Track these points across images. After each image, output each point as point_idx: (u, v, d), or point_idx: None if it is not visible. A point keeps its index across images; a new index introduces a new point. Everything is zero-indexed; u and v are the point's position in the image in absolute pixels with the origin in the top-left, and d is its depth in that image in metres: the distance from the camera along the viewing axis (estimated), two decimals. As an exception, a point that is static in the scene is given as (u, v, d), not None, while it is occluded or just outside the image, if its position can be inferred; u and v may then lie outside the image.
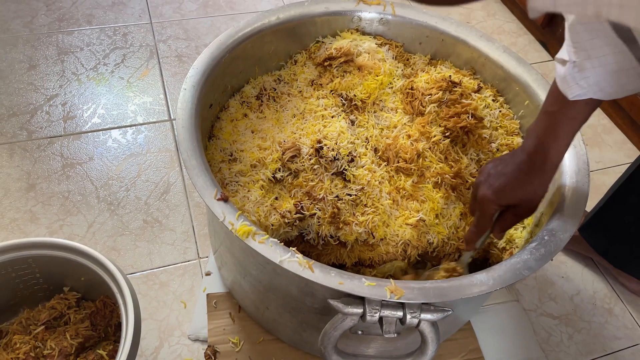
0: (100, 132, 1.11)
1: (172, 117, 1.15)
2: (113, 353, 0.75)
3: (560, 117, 0.62)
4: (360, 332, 0.66)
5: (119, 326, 0.78)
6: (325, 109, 0.86)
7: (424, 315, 0.60)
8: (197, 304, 0.87)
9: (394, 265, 0.84)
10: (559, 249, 0.63)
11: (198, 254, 0.94)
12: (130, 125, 1.13)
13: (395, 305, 0.59)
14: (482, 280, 0.61)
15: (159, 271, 0.91)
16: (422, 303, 0.59)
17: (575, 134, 0.63)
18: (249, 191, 0.76)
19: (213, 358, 0.81)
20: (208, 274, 0.91)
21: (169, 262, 0.93)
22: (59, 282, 0.81)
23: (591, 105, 0.60)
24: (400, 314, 0.60)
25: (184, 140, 0.69)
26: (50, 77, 1.21)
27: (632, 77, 0.54)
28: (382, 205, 0.79)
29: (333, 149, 0.79)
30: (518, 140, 0.86)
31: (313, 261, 0.60)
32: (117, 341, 0.78)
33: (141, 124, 1.13)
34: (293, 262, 0.59)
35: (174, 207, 1.00)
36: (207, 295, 0.87)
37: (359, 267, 0.84)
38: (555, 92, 0.61)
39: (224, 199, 0.64)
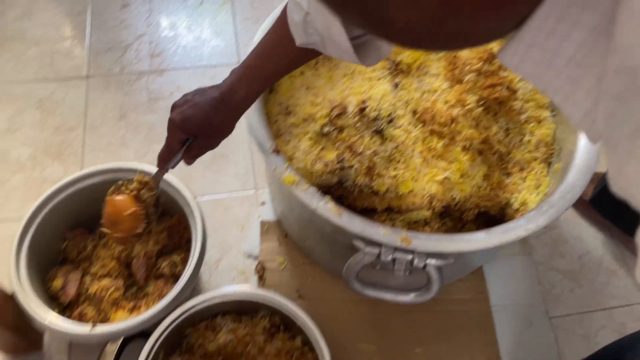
0: (180, 70, 1.27)
1: (242, 61, 1.28)
2: (184, 260, 0.95)
3: (257, 70, 0.68)
4: (378, 267, 0.81)
5: (189, 240, 0.97)
6: (373, 71, 0.97)
7: (429, 261, 0.74)
8: (252, 228, 1.05)
9: (420, 213, 0.97)
10: (553, 220, 0.74)
11: (256, 186, 1.11)
12: (205, 66, 1.28)
13: (405, 250, 0.74)
14: (481, 238, 0.73)
15: (223, 197, 1.10)
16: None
17: (268, 84, 0.70)
18: (299, 141, 0.90)
19: (262, 272, 1.00)
20: (263, 204, 1.08)
21: (231, 190, 1.11)
22: (144, 200, 1.01)
23: (302, 54, 0.65)
24: (409, 257, 0.74)
25: (248, 98, 0.83)
26: (140, 16, 1.36)
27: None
28: (413, 162, 0.91)
29: (375, 110, 0.91)
30: (546, 114, 0.93)
31: (342, 209, 0.74)
32: (188, 251, 0.98)
33: (214, 66, 1.28)
34: (326, 209, 0.74)
35: (238, 144, 1.16)
36: (261, 221, 1.05)
37: (389, 212, 0.98)
38: (265, 42, 0.67)
39: (276, 152, 0.78)
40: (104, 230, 0.80)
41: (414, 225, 0.96)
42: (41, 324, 0.80)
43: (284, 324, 0.90)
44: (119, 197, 0.80)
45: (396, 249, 0.73)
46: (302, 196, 0.75)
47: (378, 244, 0.74)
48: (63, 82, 1.23)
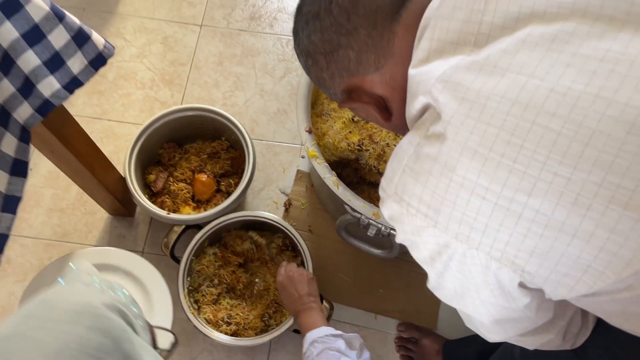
0: (268, 35, 1.60)
1: (319, 39, 1.59)
2: (237, 184, 1.34)
3: None
4: (361, 226, 1.15)
5: (244, 170, 1.35)
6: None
7: (392, 231, 1.07)
8: (290, 173, 1.42)
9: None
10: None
11: (301, 142, 1.46)
12: (289, 35, 1.60)
13: (376, 221, 1.07)
14: (428, 227, 1.05)
15: (276, 144, 1.46)
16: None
17: None
18: (334, 122, 1.22)
19: (288, 207, 1.37)
20: (303, 157, 1.43)
21: (284, 141, 1.46)
22: (220, 133, 1.38)
23: None
24: (380, 226, 1.07)
25: (301, 87, 1.16)
26: (251, -20, 1.69)
27: None
28: (413, 158, 1.21)
29: (396, 113, 1.21)
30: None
31: (340, 182, 1.08)
32: (241, 178, 1.36)
33: (297, 37, 1.59)
34: (330, 180, 1.08)
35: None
36: (297, 170, 1.41)
37: (389, 189, 1.30)
38: None
39: (309, 132, 1.12)
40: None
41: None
42: (137, 200, 1.23)
43: (292, 246, 1.28)
44: (205, 178, 1.30)
45: (369, 219, 1.06)
46: (317, 167, 1.09)
47: (359, 212, 1.07)
48: (183, 26, 1.60)
